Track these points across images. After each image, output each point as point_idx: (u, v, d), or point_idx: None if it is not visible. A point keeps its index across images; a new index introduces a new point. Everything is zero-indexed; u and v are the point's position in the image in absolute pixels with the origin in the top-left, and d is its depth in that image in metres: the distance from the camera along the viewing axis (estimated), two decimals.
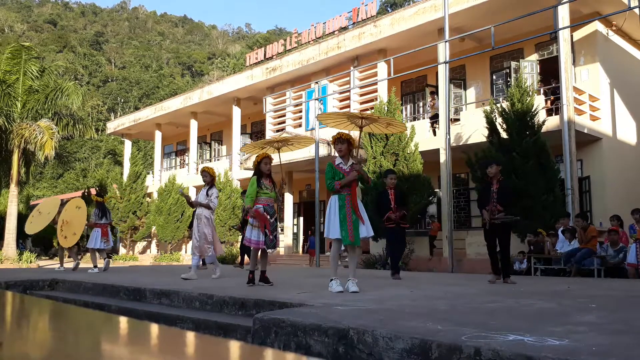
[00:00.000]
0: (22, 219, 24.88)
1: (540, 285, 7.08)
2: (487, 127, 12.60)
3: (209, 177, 7.72)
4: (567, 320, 3.39)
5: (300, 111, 19.46)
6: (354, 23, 18.41)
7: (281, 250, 19.81)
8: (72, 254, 11.53)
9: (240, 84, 21.76)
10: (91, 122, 30.98)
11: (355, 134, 7.03)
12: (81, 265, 11.37)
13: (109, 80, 77.26)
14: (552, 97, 14.78)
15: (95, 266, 10.33)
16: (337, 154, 5.80)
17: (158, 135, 27.65)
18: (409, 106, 18.97)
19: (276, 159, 7.58)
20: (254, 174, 6.59)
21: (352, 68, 17.47)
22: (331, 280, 5.56)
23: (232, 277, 8.28)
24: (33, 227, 11.28)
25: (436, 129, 16.21)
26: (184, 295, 5.43)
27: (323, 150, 15.83)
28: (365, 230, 5.56)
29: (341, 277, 5.63)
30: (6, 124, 18.67)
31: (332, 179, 5.61)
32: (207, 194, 7.68)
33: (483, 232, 7.52)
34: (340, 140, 5.72)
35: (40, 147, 17.95)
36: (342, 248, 5.90)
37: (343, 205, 5.52)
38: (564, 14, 12.63)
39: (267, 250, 6.52)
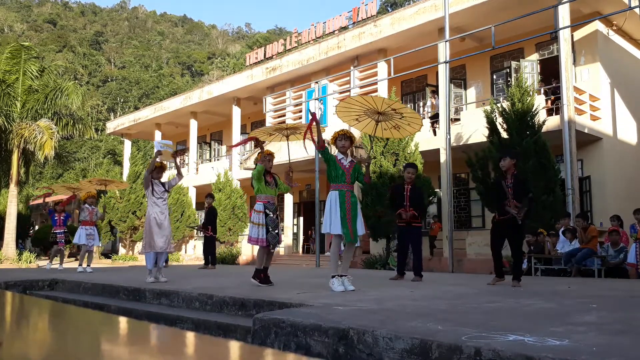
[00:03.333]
0: (21, 218, 24.90)
1: (540, 285, 7.06)
2: (487, 127, 12.60)
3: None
4: (567, 320, 3.38)
5: (300, 111, 19.46)
6: (354, 23, 18.41)
7: (281, 250, 19.80)
8: (58, 256, 11.59)
9: (240, 83, 21.75)
10: (91, 122, 30.95)
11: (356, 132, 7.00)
12: (68, 265, 11.35)
13: (109, 80, 77.22)
14: (552, 97, 14.78)
15: (88, 265, 10.26)
16: (338, 151, 5.77)
17: (158, 135, 27.63)
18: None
19: (283, 149, 7.52)
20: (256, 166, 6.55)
21: (352, 68, 17.47)
22: (332, 277, 5.56)
23: (232, 277, 8.27)
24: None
25: (436, 129, 16.21)
26: (183, 295, 5.42)
27: None
28: (361, 228, 5.62)
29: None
30: (6, 123, 18.66)
31: (331, 158, 5.56)
32: (166, 189, 7.39)
33: (491, 230, 6.93)
34: (345, 137, 5.73)
35: (40, 147, 17.93)
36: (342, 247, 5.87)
37: (344, 202, 5.50)
38: (564, 14, 12.62)
39: (271, 249, 6.51)
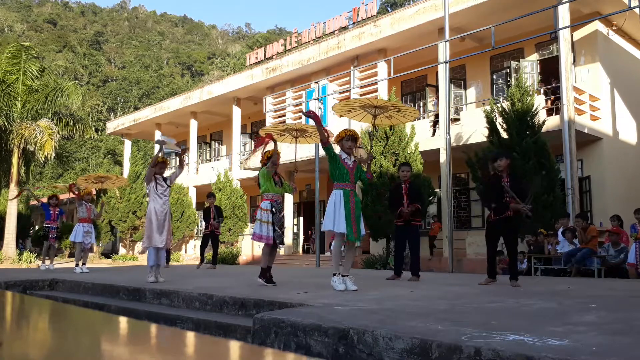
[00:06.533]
0: (22, 218, 24.90)
1: (540, 285, 7.06)
2: (487, 127, 12.60)
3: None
4: (567, 320, 3.38)
5: (301, 111, 19.44)
6: (354, 23, 18.41)
7: (281, 250, 19.80)
8: (50, 255, 11.59)
9: (240, 83, 21.76)
10: (91, 122, 31.00)
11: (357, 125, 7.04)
12: (58, 266, 11.27)
13: (109, 80, 77.25)
14: (552, 97, 14.78)
15: (84, 264, 10.20)
16: (342, 150, 5.77)
17: (158, 135, 27.65)
18: (409, 106, 18.95)
19: (290, 149, 7.61)
20: (263, 167, 6.55)
21: (352, 68, 17.47)
22: (334, 275, 5.56)
23: (232, 277, 8.28)
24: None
25: (436, 129, 16.22)
26: (184, 295, 5.42)
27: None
28: (362, 228, 5.67)
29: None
30: (6, 123, 18.66)
31: (335, 157, 5.57)
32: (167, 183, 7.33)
33: (485, 230, 6.94)
34: (352, 138, 5.71)
35: (40, 147, 17.94)
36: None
37: (348, 201, 5.49)
38: (564, 14, 12.62)
39: (278, 247, 6.53)
